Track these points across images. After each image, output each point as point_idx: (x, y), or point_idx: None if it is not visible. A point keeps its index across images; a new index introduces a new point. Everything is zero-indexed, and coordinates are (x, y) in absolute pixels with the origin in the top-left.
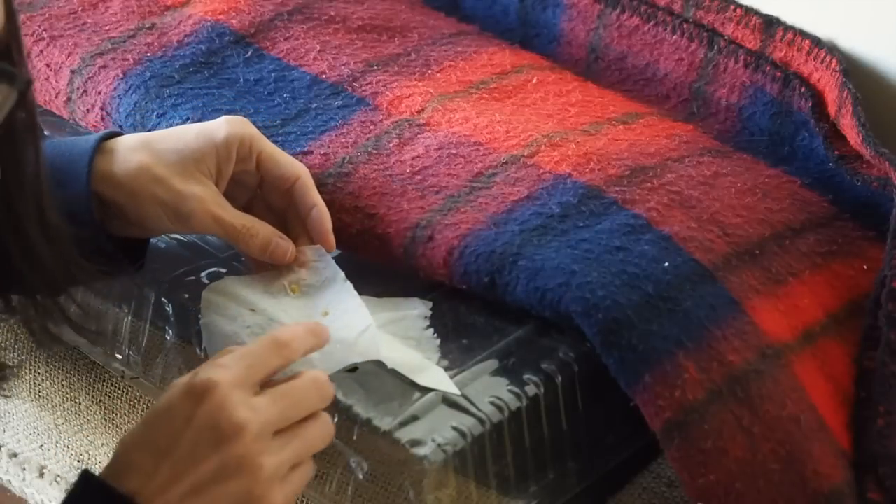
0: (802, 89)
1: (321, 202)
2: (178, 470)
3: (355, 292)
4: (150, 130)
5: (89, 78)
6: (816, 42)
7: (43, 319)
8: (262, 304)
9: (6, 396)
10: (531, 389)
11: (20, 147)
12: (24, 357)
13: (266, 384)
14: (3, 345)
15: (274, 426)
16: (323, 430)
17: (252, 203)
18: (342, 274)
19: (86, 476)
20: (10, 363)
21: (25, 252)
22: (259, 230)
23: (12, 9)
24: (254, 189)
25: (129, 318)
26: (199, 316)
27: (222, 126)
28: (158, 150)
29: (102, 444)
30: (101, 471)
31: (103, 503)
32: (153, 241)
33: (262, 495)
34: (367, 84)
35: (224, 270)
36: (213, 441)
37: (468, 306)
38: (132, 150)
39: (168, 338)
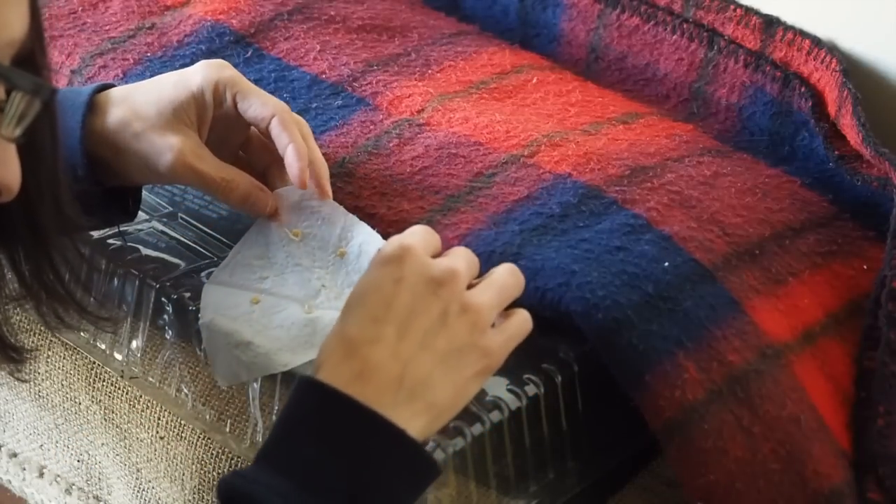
0: (802, 89)
1: (299, 140)
2: (403, 328)
3: (360, 221)
4: None
5: (89, 78)
6: (816, 42)
7: (52, 303)
8: (266, 272)
9: (24, 380)
10: (531, 389)
11: (42, 153)
12: (40, 342)
13: None
14: (20, 327)
15: (468, 276)
16: (513, 277)
17: (239, 157)
18: (340, 207)
19: (308, 382)
20: (28, 346)
21: (38, 246)
22: (239, 182)
23: (38, 13)
24: (247, 130)
25: (129, 318)
26: (199, 316)
27: (198, 71)
28: (137, 103)
29: (102, 444)
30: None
31: (327, 405)
32: (152, 241)
33: (484, 341)
34: (367, 84)
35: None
36: (429, 290)
37: None
38: (115, 105)
39: (168, 338)
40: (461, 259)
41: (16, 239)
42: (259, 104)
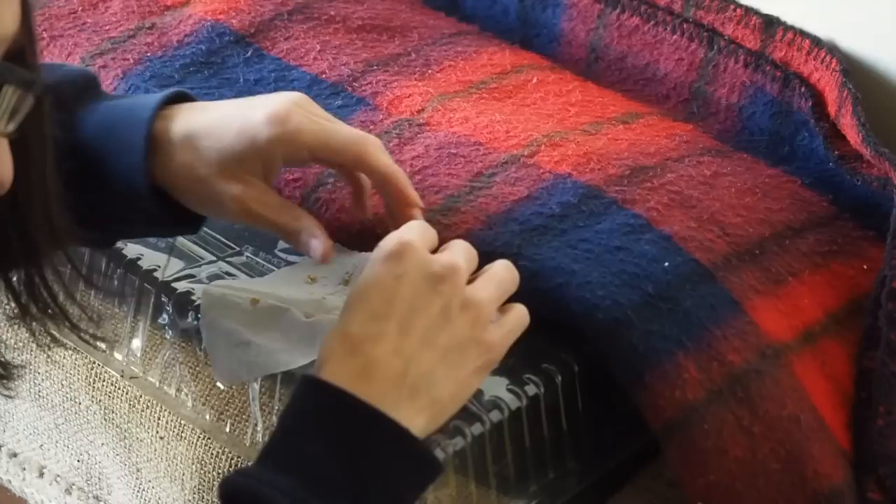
0: (802, 89)
1: (389, 167)
2: (404, 324)
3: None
4: None
5: None
6: (816, 42)
7: (44, 320)
8: (267, 286)
9: (9, 397)
10: (531, 389)
11: (32, 151)
12: (28, 357)
13: None
14: (8, 344)
15: (468, 270)
16: (509, 272)
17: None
18: (365, 255)
19: (310, 381)
20: (15, 363)
21: (27, 250)
22: (301, 228)
23: (28, 8)
24: None
25: (130, 318)
26: (199, 315)
27: (263, 129)
28: (201, 147)
29: (102, 444)
30: (312, 371)
31: (330, 403)
32: (152, 241)
33: (485, 336)
34: (367, 84)
35: (224, 271)
36: (430, 286)
37: None
38: (179, 145)
39: (168, 337)
40: (460, 253)
41: (6, 248)
42: (341, 147)
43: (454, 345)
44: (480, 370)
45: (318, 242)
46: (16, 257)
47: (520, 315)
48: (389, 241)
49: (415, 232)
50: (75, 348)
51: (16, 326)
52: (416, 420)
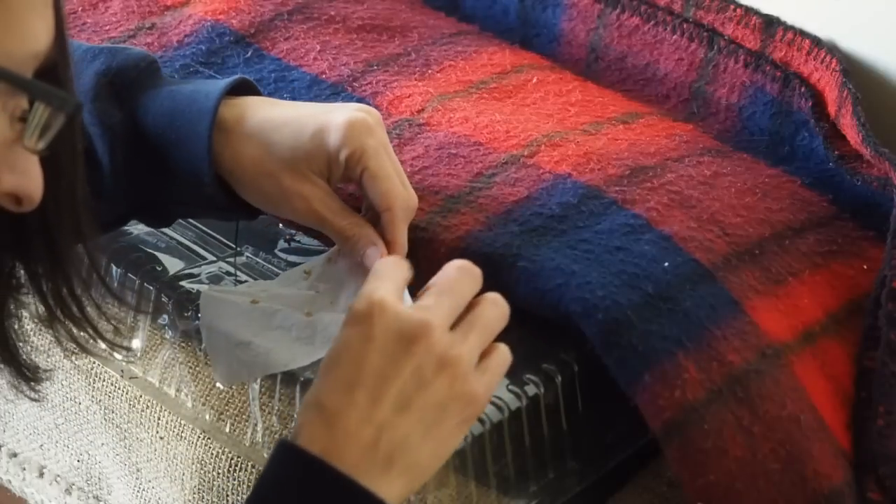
0: (802, 89)
1: (400, 242)
2: (375, 391)
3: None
4: None
5: None
6: (816, 42)
7: (69, 326)
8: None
9: (37, 400)
10: (531, 389)
11: (62, 164)
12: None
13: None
14: (39, 348)
15: (449, 319)
16: (496, 308)
17: None
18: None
19: (286, 447)
20: (43, 366)
21: (56, 265)
22: (356, 233)
23: (62, 25)
24: None
25: (129, 317)
26: (199, 315)
27: (339, 133)
28: (272, 142)
29: (102, 444)
30: (289, 435)
31: (305, 471)
32: (152, 241)
33: (466, 390)
34: (367, 84)
35: (224, 270)
36: (401, 347)
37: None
38: (249, 136)
39: (168, 337)
40: (445, 299)
41: (34, 255)
42: (379, 195)
43: (431, 406)
44: (463, 423)
45: (374, 251)
46: (44, 264)
47: (502, 359)
48: (359, 301)
49: (385, 283)
50: (94, 353)
51: (42, 331)
52: (392, 487)
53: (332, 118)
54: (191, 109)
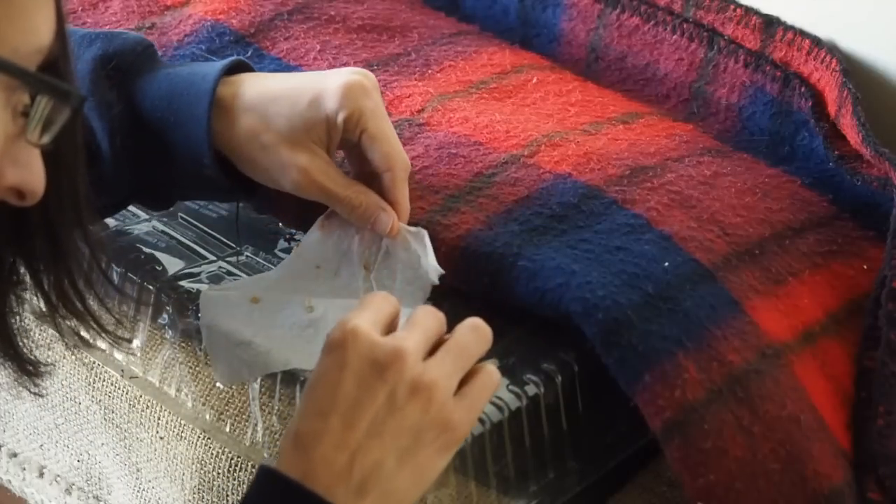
0: (802, 89)
1: (403, 203)
2: (348, 417)
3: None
4: None
5: None
6: (816, 42)
7: (72, 321)
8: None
9: (39, 395)
10: (531, 389)
11: (64, 158)
12: (56, 358)
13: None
14: (40, 343)
15: (425, 345)
16: (475, 333)
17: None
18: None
19: (266, 472)
20: (44, 360)
21: (58, 260)
22: (363, 201)
23: (63, 21)
24: None
25: (131, 311)
26: (199, 315)
27: (335, 96)
28: (269, 114)
29: (102, 444)
30: (269, 463)
31: (284, 496)
32: (152, 241)
33: (442, 416)
34: None
35: (224, 270)
36: (374, 374)
37: (468, 306)
38: (245, 111)
39: (168, 338)
40: (416, 329)
41: (36, 250)
42: (380, 156)
43: (404, 431)
44: (443, 450)
45: (386, 216)
46: (46, 259)
47: (484, 382)
48: (335, 330)
49: (364, 313)
50: (93, 349)
51: (42, 325)
52: None
53: (328, 83)
54: (189, 91)
